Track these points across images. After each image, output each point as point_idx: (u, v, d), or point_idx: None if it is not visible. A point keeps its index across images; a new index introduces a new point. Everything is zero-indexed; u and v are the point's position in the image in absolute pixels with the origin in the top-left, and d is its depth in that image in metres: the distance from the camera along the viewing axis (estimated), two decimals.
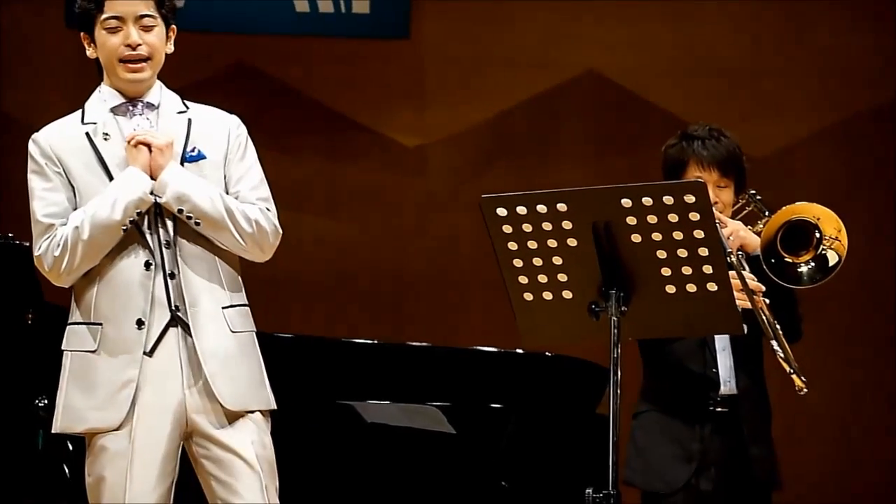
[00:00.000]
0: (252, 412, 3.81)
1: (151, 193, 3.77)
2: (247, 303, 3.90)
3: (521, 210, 3.66)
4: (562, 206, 3.63)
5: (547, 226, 3.66)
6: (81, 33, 3.90)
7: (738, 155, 4.40)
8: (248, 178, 3.90)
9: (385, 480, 5.20)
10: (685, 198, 3.57)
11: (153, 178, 3.77)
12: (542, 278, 3.71)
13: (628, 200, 3.59)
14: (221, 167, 3.88)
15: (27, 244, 4.84)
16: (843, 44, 7.89)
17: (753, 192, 4.39)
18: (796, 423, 7.14)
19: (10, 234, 4.92)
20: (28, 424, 4.75)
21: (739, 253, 4.25)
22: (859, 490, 7.78)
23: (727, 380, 4.31)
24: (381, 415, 5.26)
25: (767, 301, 4.20)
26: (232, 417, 3.78)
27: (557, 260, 3.69)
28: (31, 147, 3.89)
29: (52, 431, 3.82)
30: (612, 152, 7.87)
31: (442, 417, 5.34)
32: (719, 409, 4.28)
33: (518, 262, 3.71)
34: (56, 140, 3.86)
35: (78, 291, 3.84)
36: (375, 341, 5.59)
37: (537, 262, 3.70)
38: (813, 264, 4.19)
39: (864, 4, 7.89)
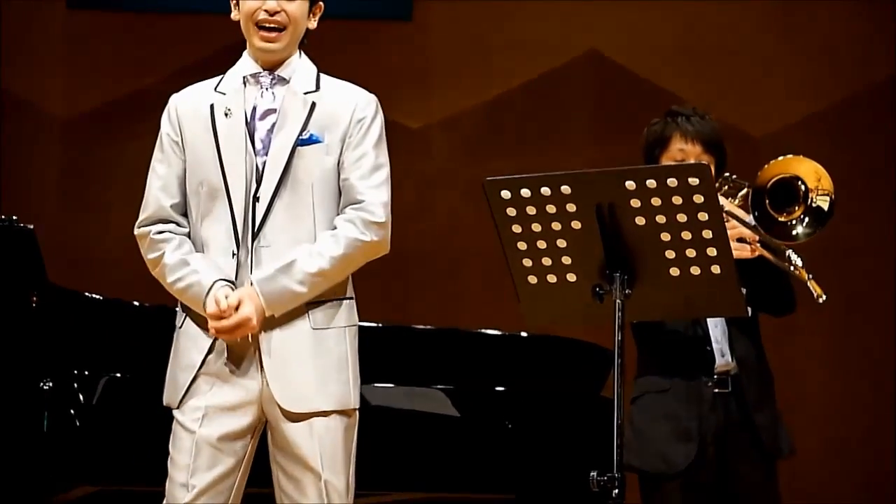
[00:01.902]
0: (325, 413, 3.78)
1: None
2: (347, 296, 3.86)
3: (525, 192, 3.66)
4: (565, 189, 3.63)
5: (551, 208, 3.66)
6: None
7: (720, 136, 4.41)
8: (361, 165, 3.84)
9: (389, 463, 5.21)
10: (689, 180, 3.56)
11: None
12: (546, 261, 3.71)
13: (632, 183, 3.59)
14: (338, 151, 3.84)
15: (30, 227, 4.87)
16: (845, 25, 7.88)
17: (728, 174, 4.39)
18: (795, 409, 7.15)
19: (14, 217, 4.91)
20: (33, 406, 4.76)
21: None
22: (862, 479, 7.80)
23: (722, 353, 4.32)
24: (385, 398, 5.26)
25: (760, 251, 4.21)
26: (299, 415, 3.77)
27: (561, 242, 3.68)
28: (164, 112, 3.91)
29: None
30: (614, 133, 7.87)
31: (446, 400, 5.34)
32: (718, 384, 4.29)
33: (522, 245, 3.71)
34: (184, 104, 3.88)
35: None
36: (379, 324, 5.59)
37: (541, 244, 3.70)
38: (807, 218, 4.18)
39: None
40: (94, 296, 5.09)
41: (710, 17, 7.91)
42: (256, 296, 3.73)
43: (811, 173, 4.19)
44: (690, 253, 3.62)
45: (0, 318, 4.85)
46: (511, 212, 3.68)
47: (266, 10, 3.82)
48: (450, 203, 7.87)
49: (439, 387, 5.36)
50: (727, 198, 4.27)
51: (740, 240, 4.19)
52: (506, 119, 7.99)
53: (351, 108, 3.88)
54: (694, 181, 3.57)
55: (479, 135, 7.97)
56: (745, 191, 4.26)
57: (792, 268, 4.12)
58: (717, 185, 4.34)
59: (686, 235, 3.61)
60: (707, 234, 3.60)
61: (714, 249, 3.61)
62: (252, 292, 3.73)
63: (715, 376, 4.29)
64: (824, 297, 4.09)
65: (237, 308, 3.71)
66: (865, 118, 7.90)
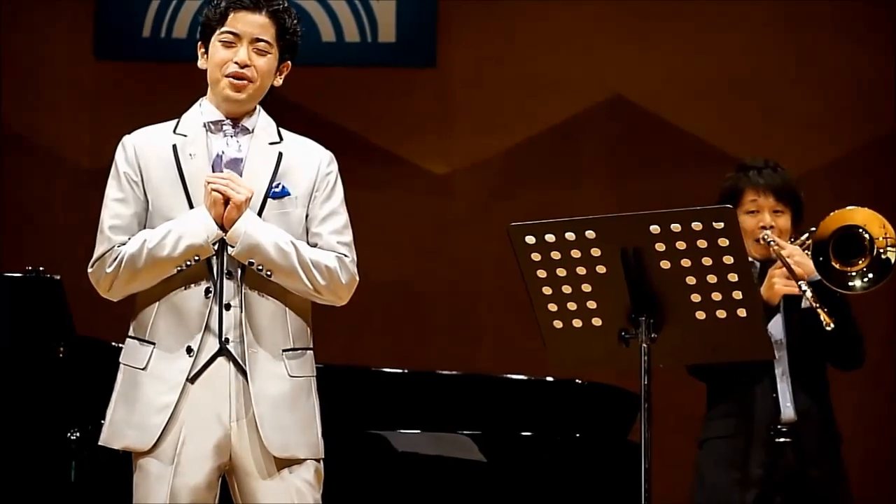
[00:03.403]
0: (300, 460, 3.78)
1: (216, 243, 3.73)
2: (311, 346, 3.85)
3: (550, 238, 3.67)
4: (590, 234, 3.64)
5: (576, 253, 3.66)
6: (199, 42, 3.89)
7: (794, 185, 4.45)
8: (332, 221, 3.85)
9: None
10: (714, 224, 3.57)
11: (225, 226, 3.73)
12: (572, 306, 3.71)
13: (657, 227, 3.60)
14: (305, 204, 3.84)
15: (57, 277, 4.88)
16: (868, 65, 7.87)
17: (814, 229, 4.39)
18: None
19: (41, 268, 4.93)
20: (61, 456, 4.76)
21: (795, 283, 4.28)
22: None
23: (787, 405, 4.32)
24: (411, 444, 5.25)
25: (816, 277, 4.25)
26: (278, 463, 3.74)
27: (587, 287, 3.69)
28: (118, 150, 3.86)
29: (98, 443, 3.82)
30: (637, 177, 7.87)
31: (473, 446, 5.32)
32: (781, 435, 4.29)
33: (547, 290, 3.71)
34: (143, 145, 3.84)
35: (139, 306, 3.82)
36: (405, 370, 5.58)
37: (567, 289, 3.70)
38: (870, 273, 4.18)
39: (883, 27, 7.89)
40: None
41: (732, 58, 7.91)
42: (249, 214, 3.73)
43: (876, 222, 4.18)
44: (716, 296, 3.62)
45: (28, 368, 4.86)
46: (536, 257, 3.69)
47: (237, 63, 3.81)
48: (473, 247, 7.87)
49: (465, 432, 5.35)
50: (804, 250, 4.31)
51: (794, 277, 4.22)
52: (529, 163, 8.00)
53: (316, 162, 3.89)
54: (719, 225, 3.57)
55: (503, 179, 7.98)
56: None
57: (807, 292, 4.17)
58: (801, 238, 4.37)
59: (711, 279, 3.61)
60: (732, 277, 3.60)
61: (740, 292, 3.61)
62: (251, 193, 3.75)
63: (780, 427, 4.30)
64: (832, 325, 4.15)
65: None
66: (890, 160, 7.88)
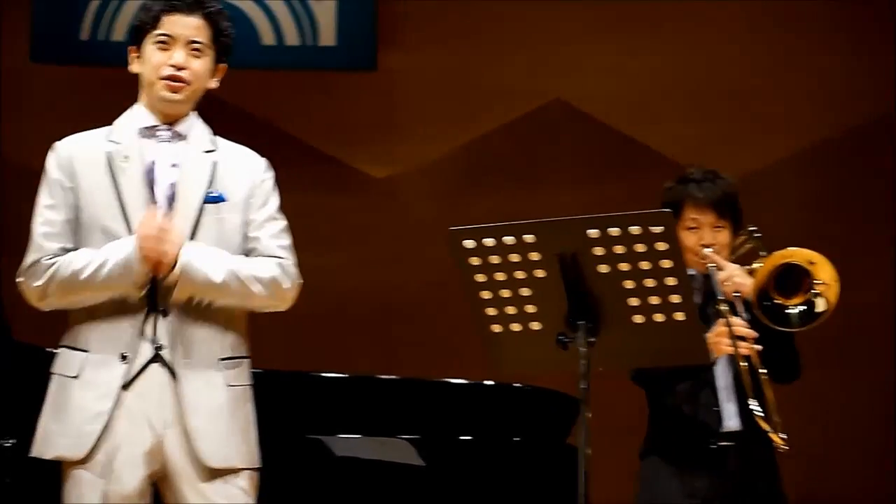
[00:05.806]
0: (236, 470, 3.76)
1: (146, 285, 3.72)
2: (247, 355, 3.84)
3: (489, 242, 3.66)
4: (529, 238, 3.64)
5: (514, 257, 3.66)
6: (130, 47, 3.88)
7: (734, 196, 4.42)
8: (270, 226, 3.86)
9: None
10: (652, 228, 3.58)
11: (157, 277, 3.72)
12: (511, 310, 3.71)
13: (595, 231, 3.60)
14: (241, 210, 3.84)
15: None
16: (825, 64, 7.91)
17: (753, 228, 4.39)
18: None
19: None
20: None
21: (736, 294, 4.26)
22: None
23: (730, 416, 4.32)
24: (350, 448, 5.24)
25: (759, 348, 4.21)
26: (213, 472, 3.73)
27: (525, 291, 3.69)
28: (50, 157, 3.84)
29: (29, 455, 3.78)
30: (584, 181, 7.89)
31: (412, 450, 5.32)
32: (723, 445, 4.30)
33: (486, 294, 3.71)
34: (76, 152, 3.83)
35: (72, 314, 3.80)
36: (345, 374, 5.57)
37: (505, 293, 3.70)
38: (803, 308, 4.19)
39: (850, 25, 7.92)
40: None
41: (678, 63, 7.93)
42: (183, 245, 3.72)
43: (827, 271, 4.18)
44: (654, 300, 3.63)
45: None
46: (475, 261, 3.69)
47: (173, 65, 3.81)
48: (420, 252, 7.86)
49: (405, 437, 5.34)
50: (743, 265, 4.31)
51: (740, 337, 4.20)
52: (474, 167, 8.00)
53: (251, 169, 3.89)
54: (657, 229, 3.58)
55: (448, 184, 7.98)
56: (760, 258, 4.29)
57: (757, 410, 4.19)
58: (739, 238, 4.36)
59: (649, 283, 3.62)
60: (671, 281, 3.61)
61: (677, 296, 3.62)
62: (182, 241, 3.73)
63: (720, 437, 4.30)
64: (786, 447, 4.17)
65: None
66: (853, 158, 7.91)
